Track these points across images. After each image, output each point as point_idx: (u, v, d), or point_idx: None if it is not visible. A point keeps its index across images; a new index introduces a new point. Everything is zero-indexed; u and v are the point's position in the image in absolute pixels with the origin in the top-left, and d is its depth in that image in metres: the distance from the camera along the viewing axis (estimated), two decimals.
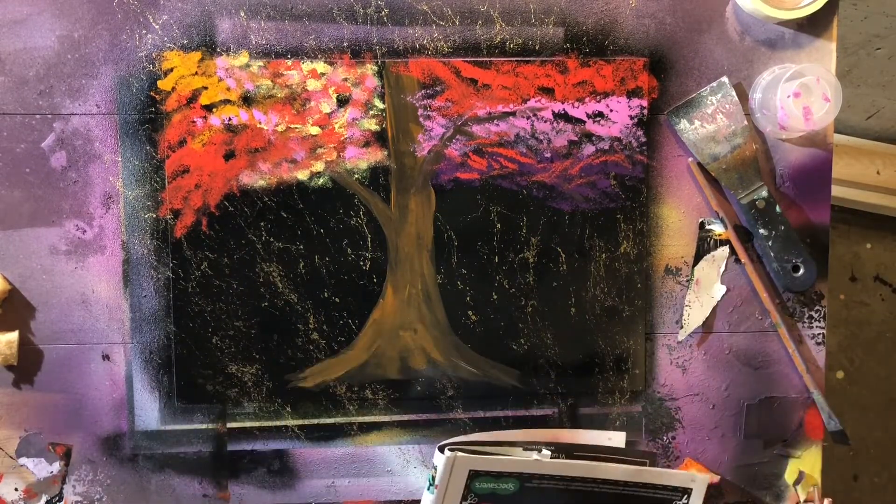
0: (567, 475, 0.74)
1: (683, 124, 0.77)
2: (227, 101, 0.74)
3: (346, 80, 0.75)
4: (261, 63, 0.74)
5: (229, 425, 0.78)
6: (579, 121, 0.77)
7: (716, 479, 0.79)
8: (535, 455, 0.74)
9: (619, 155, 0.77)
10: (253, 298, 0.76)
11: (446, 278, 0.77)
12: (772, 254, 0.77)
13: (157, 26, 0.74)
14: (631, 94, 0.77)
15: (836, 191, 1.46)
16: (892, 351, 1.59)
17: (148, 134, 0.75)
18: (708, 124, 0.77)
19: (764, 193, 0.77)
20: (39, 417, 0.76)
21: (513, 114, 0.76)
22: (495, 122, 0.76)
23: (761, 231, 0.77)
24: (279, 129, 0.75)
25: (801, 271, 0.78)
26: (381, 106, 0.76)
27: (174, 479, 0.78)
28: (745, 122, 0.77)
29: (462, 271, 0.77)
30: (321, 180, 0.76)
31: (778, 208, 0.77)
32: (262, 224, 0.76)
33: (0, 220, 0.74)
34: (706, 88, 0.77)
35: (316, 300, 0.76)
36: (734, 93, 0.77)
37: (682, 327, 0.80)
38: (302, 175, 0.75)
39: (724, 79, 0.77)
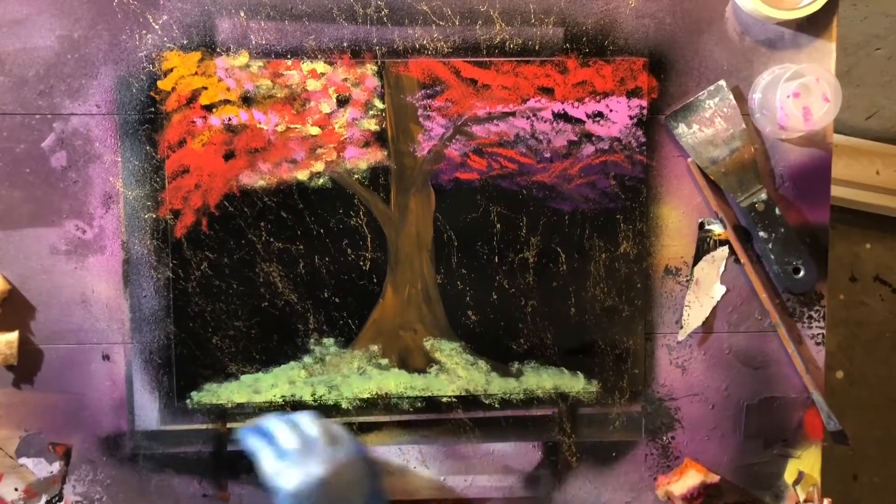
0: None
1: (682, 128, 0.77)
2: (226, 102, 0.74)
3: (346, 80, 0.75)
4: (261, 63, 0.74)
5: (229, 425, 0.78)
6: (579, 121, 0.77)
7: (716, 479, 0.79)
8: None
9: (618, 155, 0.77)
10: (253, 298, 0.76)
11: (446, 278, 0.77)
12: (772, 256, 0.77)
13: (157, 26, 0.74)
14: (630, 95, 0.77)
15: (836, 191, 1.46)
16: (892, 351, 1.59)
17: (148, 134, 0.75)
18: (706, 128, 0.77)
19: (763, 196, 0.77)
20: (39, 417, 0.76)
21: (513, 114, 0.76)
22: (495, 122, 0.76)
23: (761, 234, 0.77)
24: (279, 129, 0.75)
25: (802, 273, 0.78)
26: (380, 106, 0.76)
27: (174, 479, 0.78)
28: (743, 126, 0.77)
29: (462, 271, 0.77)
30: (321, 180, 0.76)
31: (777, 211, 0.77)
32: (262, 224, 0.75)
33: (0, 220, 0.74)
34: (704, 92, 0.77)
35: (316, 300, 0.76)
36: (732, 96, 0.77)
37: (681, 327, 0.79)
38: (302, 175, 0.75)
39: (722, 82, 0.77)
